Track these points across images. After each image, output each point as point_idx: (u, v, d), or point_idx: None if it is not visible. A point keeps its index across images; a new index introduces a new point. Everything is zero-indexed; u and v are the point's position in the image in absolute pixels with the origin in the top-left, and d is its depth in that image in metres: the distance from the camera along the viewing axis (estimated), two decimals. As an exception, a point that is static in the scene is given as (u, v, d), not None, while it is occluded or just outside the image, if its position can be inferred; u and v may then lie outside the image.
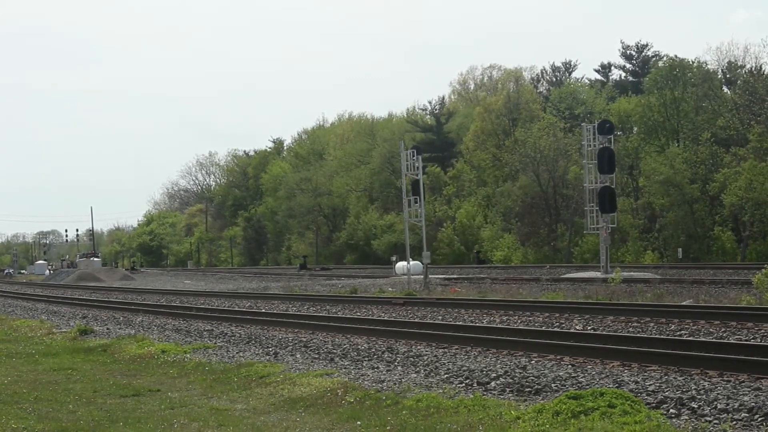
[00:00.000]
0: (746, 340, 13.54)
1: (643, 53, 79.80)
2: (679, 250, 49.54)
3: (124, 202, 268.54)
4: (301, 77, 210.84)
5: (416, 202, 36.27)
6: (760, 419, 8.01)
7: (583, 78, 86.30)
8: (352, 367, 13.03)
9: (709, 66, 58.93)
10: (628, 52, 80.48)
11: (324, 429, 9.24)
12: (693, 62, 59.50)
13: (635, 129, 64.52)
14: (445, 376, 11.61)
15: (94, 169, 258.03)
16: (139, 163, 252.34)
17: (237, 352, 15.93)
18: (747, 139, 50.09)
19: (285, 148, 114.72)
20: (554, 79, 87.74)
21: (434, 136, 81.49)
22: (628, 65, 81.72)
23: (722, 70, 61.61)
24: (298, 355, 14.89)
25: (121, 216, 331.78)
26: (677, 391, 9.33)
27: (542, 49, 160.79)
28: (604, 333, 14.98)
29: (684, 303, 19.67)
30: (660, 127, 58.61)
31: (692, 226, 51.11)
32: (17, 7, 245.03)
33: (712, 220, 51.59)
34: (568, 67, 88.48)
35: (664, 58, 76.41)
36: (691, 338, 13.92)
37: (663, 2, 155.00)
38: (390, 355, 13.88)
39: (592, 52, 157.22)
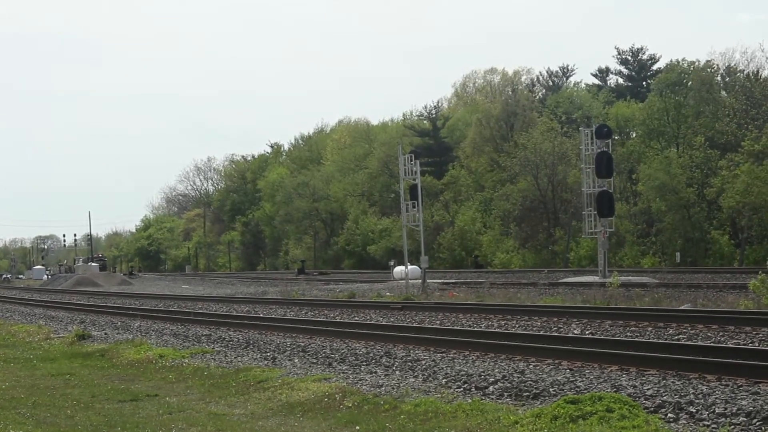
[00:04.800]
0: (744, 344, 13.56)
1: (639, 57, 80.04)
2: (677, 254, 49.58)
3: (122, 207, 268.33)
4: (300, 80, 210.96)
5: (414, 207, 36.24)
6: (758, 423, 8.02)
7: (581, 82, 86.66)
8: (350, 372, 13.03)
9: (710, 69, 58.82)
10: (623, 57, 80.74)
11: (322, 434, 9.24)
12: (695, 64, 59.50)
13: (633, 134, 64.58)
14: (444, 380, 11.61)
15: (93, 174, 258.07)
16: (138, 168, 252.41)
17: (235, 357, 15.92)
18: (742, 144, 50.07)
19: (283, 152, 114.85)
20: (551, 83, 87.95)
21: (431, 141, 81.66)
22: (624, 70, 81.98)
23: (721, 74, 61.65)
24: (296, 360, 14.89)
25: (119, 221, 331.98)
26: (675, 395, 9.33)
27: (541, 53, 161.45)
28: (602, 337, 14.99)
29: (682, 307, 19.68)
30: (661, 131, 58.54)
31: (690, 230, 51.18)
32: (15, 8, 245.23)
33: (710, 224, 51.66)
34: (566, 72, 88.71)
35: (660, 60, 76.93)
36: (689, 342, 13.95)
37: (662, 5, 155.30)
38: (388, 359, 13.87)
39: (591, 55, 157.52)
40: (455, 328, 18.30)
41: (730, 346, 13.09)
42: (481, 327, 18.64)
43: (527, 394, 10.24)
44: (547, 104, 75.09)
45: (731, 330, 15.29)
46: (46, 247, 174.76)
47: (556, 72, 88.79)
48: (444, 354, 14.25)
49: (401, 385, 11.51)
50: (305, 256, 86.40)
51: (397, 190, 50.40)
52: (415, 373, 12.39)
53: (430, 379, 11.86)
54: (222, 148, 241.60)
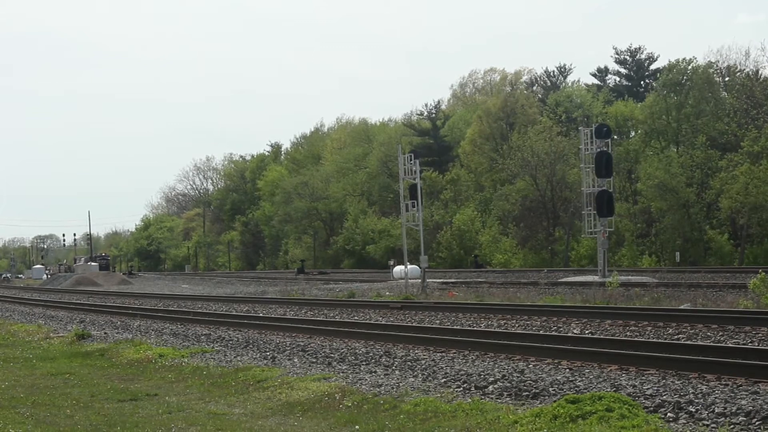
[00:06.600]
0: (744, 344, 13.56)
1: (636, 57, 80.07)
2: (677, 253, 49.59)
3: (122, 207, 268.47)
4: (299, 81, 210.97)
5: (414, 207, 36.23)
6: (757, 423, 8.02)
7: (578, 81, 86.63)
8: (349, 372, 13.03)
9: (710, 68, 58.72)
10: (621, 57, 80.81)
11: (322, 433, 9.23)
12: (696, 62, 59.49)
13: (632, 133, 64.55)
14: (443, 380, 11.61)
15: (92, 174, 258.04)
16: (137, 168, 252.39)
17: (235, 357, 15.92)
18: (742, 144, 50.06)
19: (282, 152, 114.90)
20: (549, 83, 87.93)
21: (431, 140, 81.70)
22: (622, 70, 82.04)
23: (722, 74, 61.59)
24: (295, 360, 14.88)
25: (119, 220, 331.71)
26: (675, 394, 9.33)
27: (541, 53, 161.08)
28: (601, 337, 14.99)
29: (681, 307, 19.68)
30: (661, 131, 58.46)
31: (689, 230, 51.19)
32: (14, 8, 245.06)
33: (709, 223, 51.66)
34: (563, 71, 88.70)
35: (658, 59, 76.91)
36: (688, 342, 13.95)
37: (662, 6, 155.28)
38: (388, 359, 13.87)
39: (592, 56, 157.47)
40: (455, 327, 18.29)
41: (730, 345, 13.09)
42: (480, 327, 18.64)
43: (527, 393, 10.24)
44: (548, 103, 75.06)
45: (731, 330, 15.30)
46: (45, 246, 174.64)
47: (553, 72, 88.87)
48: (443, 353, 14.24)
49: (401, 384, 11.50)
50: (305, 255, 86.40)
51: (396, 190, 50.42)
52: (415, 373, 12.39)
53: (430, 378, 11.86)
54: (221, 147, 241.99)
